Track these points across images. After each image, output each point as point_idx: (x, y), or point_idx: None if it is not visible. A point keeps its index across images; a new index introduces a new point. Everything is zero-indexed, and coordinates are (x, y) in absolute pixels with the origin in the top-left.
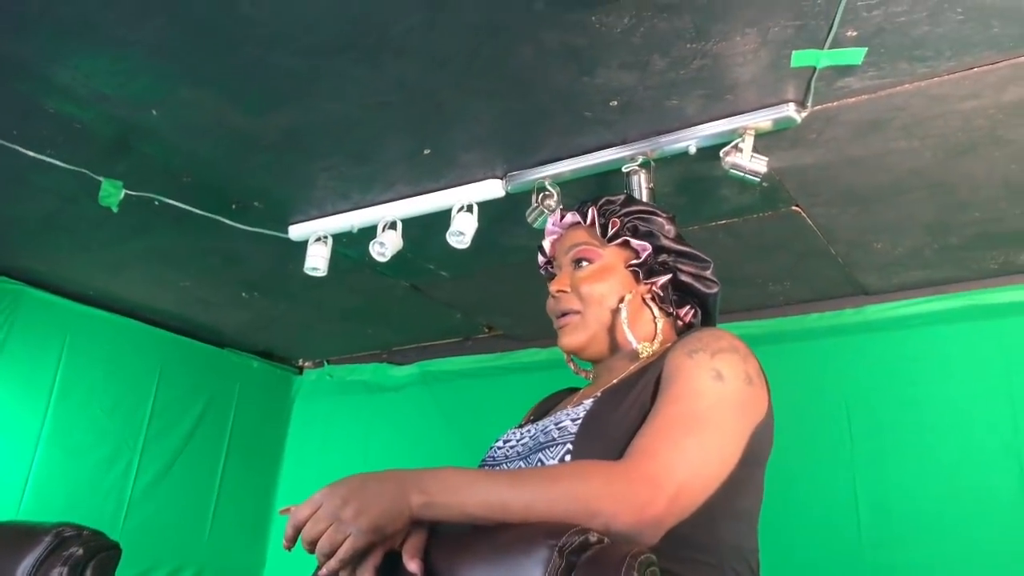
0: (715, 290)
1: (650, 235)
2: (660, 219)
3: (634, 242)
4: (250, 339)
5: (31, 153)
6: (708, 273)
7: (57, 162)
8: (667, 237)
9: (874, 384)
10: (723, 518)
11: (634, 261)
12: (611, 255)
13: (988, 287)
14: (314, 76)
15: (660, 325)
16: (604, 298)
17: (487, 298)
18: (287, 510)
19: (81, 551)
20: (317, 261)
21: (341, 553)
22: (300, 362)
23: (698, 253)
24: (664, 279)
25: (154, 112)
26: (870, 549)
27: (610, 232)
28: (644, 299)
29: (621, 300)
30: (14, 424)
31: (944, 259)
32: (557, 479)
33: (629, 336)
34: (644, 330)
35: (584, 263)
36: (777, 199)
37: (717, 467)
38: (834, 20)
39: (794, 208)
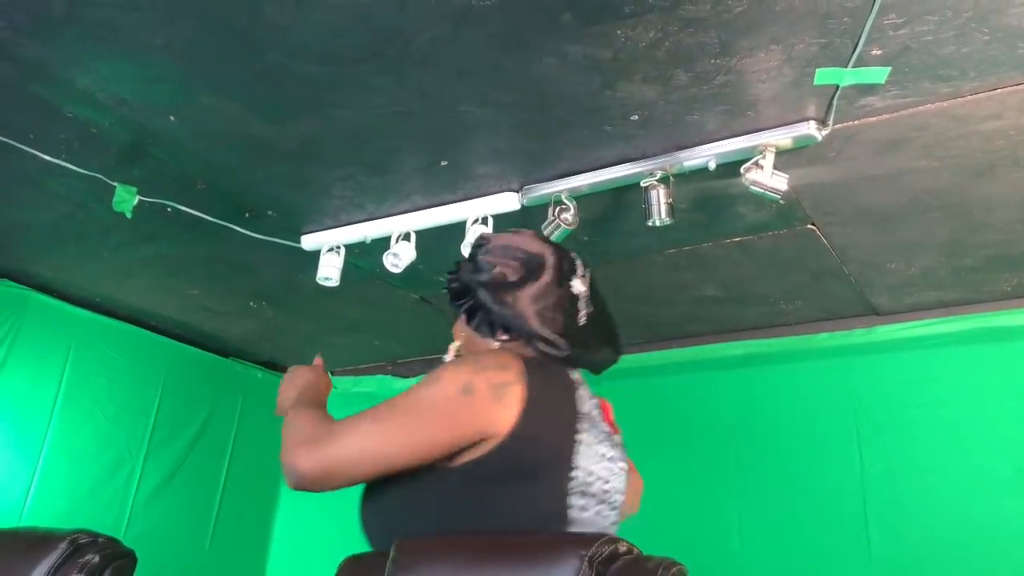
0: (499, 310)
1: (460, 268)
2: (485, 246)
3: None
4: (255, 349)
5: (46, 157)
6: (496, 295)
7: (72, 166)
8: (474, 268)
9: (884, 405)
10: (413, 521)
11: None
12: None
13: (1001, 309)
14: (335, 85)
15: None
16: (455, 335)
17: None
18: None
19: (97, 558)
20: (330, 271)
21: None
22: None
23: (467, 279)
24: (463, 308)
25: (172, 118)
26: (881, 572)
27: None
28: (472, 330)
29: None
30: (19, 430)
31: (957, 280)
32: (290, 421)
33: None
34: None
35: None
36: (793, 217)
37: (379, 451)
38: (860, 38)
39: (809, 226)
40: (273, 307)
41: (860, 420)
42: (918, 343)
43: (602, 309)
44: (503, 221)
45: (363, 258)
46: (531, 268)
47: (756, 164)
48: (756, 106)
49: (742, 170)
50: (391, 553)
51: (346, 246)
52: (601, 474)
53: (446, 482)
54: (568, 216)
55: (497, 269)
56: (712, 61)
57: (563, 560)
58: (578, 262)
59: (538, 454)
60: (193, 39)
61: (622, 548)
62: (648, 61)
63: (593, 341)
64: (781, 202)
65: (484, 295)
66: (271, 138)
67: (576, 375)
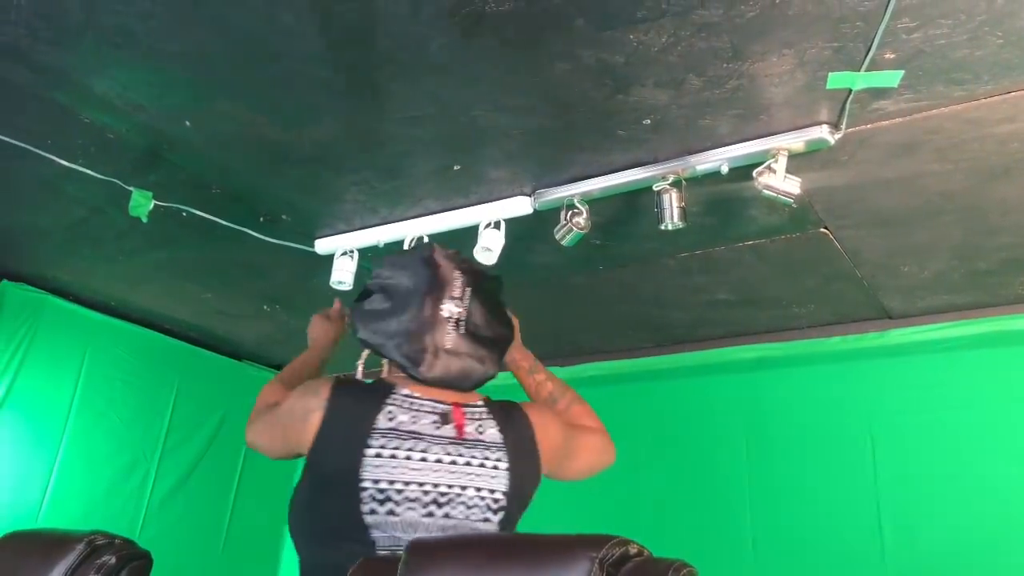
0: (364, 337)
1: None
2: (376, 271)
3: None
4: (268, 352)
5: (64, 162)
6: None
7: (88, 171)
8: (359, 295)
9: (898, 409)
10: (294, 514)
11: None
12: None
13: (1015, 313)
14: (349, 90)
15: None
16: None
17: None
18: None
19: (114, 559)
20: (343, 275)
21: None
22: None
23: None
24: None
25: (188, 123)
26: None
27: None
28: None
29: None
30: (35, 432)
31: (971, 284)
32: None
33: None
34: None
35: None
36: (805, 220)
37: (262, 445)
38: (872, 42)
39: (822, 230)
40: (286, 310)
41: (873, 424)
42: (931, 347)
43: (485, 326)
44: (515, 225)
45: (376, 262)
46: (399, 299)
47: (768, 168)
48: (768, 110)
49: (754, 174)
50: (403, 555)
51: (359, 250)
52: (422, 480)
53: (303, 483)
54: (580, 220)
55: (372, 299)
56: (724, 65)
57: (573, 562)
58: (457, 283)
59: (328, 468)
60: (208, 45)
61: (632, 550)
62: (661, 66)
63: (455, 362)
64: (794, 206)
65: (356, 321)
66: (285, 143)
67: (407, 390)
